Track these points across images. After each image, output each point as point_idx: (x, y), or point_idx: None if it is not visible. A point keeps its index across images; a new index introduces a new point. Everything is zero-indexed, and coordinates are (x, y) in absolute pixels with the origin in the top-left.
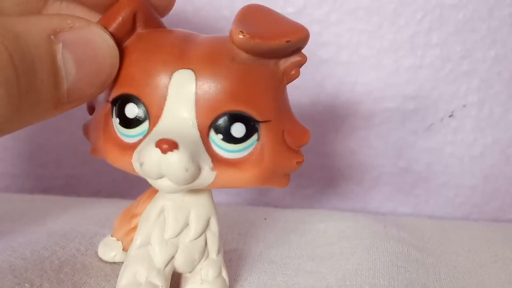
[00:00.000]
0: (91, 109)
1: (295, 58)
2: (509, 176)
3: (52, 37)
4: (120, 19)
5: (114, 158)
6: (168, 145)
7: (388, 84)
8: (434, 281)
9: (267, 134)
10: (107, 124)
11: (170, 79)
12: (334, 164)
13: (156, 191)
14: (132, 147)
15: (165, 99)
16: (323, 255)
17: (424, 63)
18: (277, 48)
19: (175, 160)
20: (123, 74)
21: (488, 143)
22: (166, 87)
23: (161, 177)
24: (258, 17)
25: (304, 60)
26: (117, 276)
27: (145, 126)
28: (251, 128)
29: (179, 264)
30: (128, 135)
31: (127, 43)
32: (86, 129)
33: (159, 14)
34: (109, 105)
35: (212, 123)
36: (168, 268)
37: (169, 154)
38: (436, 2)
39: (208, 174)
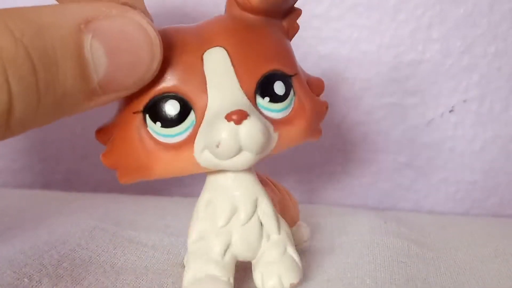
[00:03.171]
0: (103, 134)
1: (293, 13)
2: (509, 171)
3: (82, 26)
4: None
5: (168, 164)
6: (238, 115)
7: (389, 79)
8: (434, 276)
9: (299, 86)
10: (142, 136)
11: (202, 61)
12: (335, 159)
13: None
14: (186, 143)
15: (205, 82)
16: (323, 250)
17: (424, 58)
18: (287, 2)
19: (252, 126)
20: None
21: (489, 138)
22: (202, 71)
23: (239, 152)
24: None
25: (300, 12)
26: (115, 273)
27: (191, 117)
28: (288, 83)
29: (238, 251)
30: (176, 134)
31: None
32: (109, 159)
33: None
34: (139, 115)
35: (256, 89)
36: (227, 257)
37: (244, 122)
38: None
39: (273, 137)
